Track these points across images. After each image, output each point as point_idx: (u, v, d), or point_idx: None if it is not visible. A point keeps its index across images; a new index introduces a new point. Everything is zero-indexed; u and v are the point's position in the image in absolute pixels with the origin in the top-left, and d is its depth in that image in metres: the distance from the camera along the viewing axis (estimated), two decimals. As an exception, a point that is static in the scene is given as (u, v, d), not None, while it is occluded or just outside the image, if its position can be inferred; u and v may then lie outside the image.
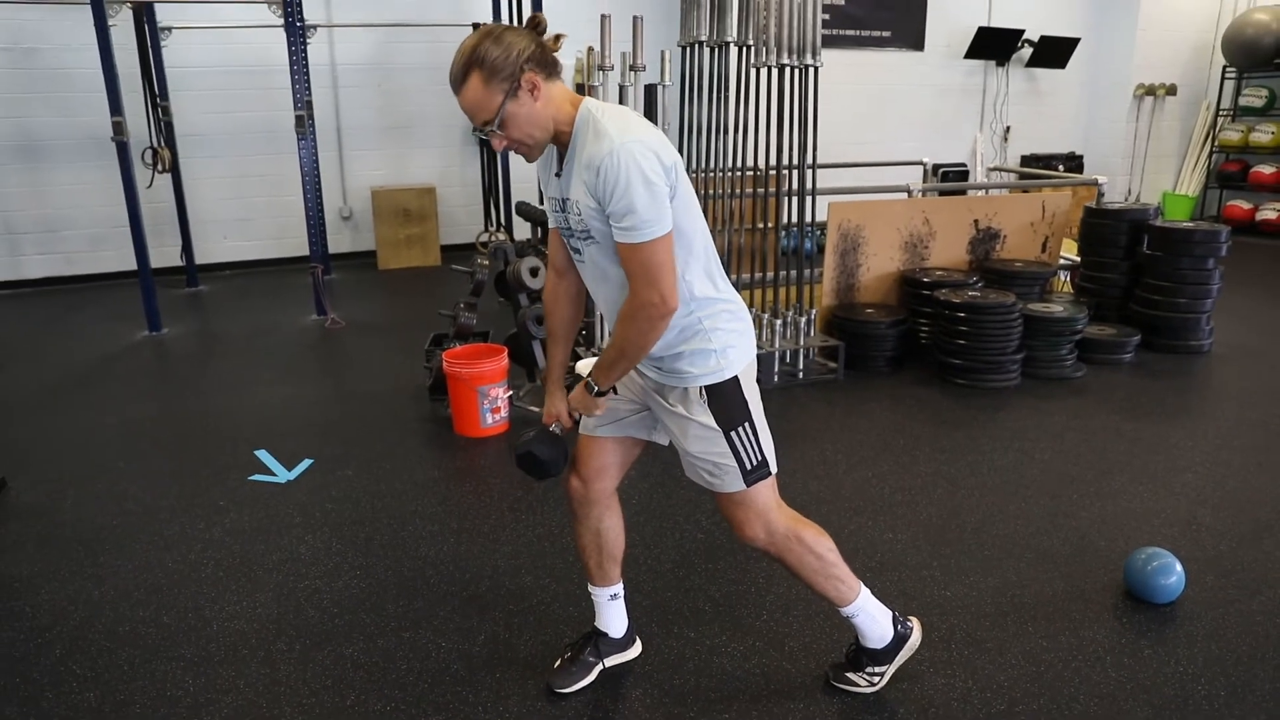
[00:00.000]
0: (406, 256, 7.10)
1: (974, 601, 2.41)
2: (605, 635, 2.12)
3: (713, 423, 1.76)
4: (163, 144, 6.00)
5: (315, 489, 3.16)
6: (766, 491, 1.84)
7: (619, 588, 2.11)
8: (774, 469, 1.84)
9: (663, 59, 3.76)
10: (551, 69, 1.63)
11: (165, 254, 6.39)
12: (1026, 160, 8.76)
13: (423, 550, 2.73)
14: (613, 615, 2.11)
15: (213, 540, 2.80)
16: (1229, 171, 8.80)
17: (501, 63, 1.57)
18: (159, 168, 5.94)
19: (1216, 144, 8.90)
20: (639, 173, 1.53)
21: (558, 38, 1.67)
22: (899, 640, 2.03)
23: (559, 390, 1.91)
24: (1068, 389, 4.19)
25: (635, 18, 3.73)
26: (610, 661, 2.12)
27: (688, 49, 3.93)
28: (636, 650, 2.17)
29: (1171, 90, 8.84)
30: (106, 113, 4.94)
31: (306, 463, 3.37)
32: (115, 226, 5.80)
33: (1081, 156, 9.02)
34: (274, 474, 3.29)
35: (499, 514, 2.97)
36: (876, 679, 2.03)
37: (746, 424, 1.78)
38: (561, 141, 1.68)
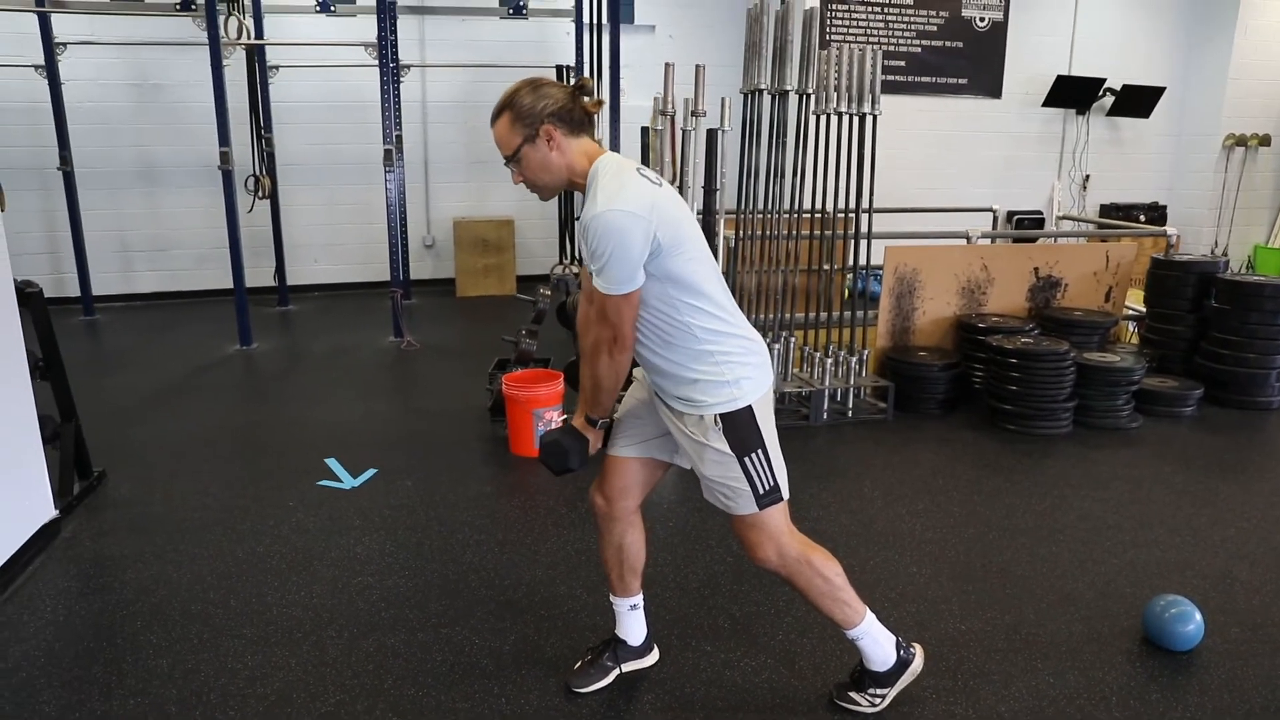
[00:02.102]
0: (484, 285, 7.43)
1: (987, 636, 2.47)
2: (624, 643, 2.26)
3: (727, 449, 1.89)
4: (264, 172, 6.48)
5: (376, 496, 3.41)
6: (779, 516, 1.97)
7: (638, 599, 2.25)
8: (786, 495, 1.96)
9: (723, 105, 3.95)
10: (577, 126, 1.86)
11: (260, 274, 6.86)
12: (1106, 209, 8.63)
13: (468, 557, 2.93)
14: (631, 624, 2.26)
15: (280, 536, 3.06)
16: (1324, 226, 8.49)
17: (528, 111, 1.82)
18: (260, 194, 6.42)
19: (1312, 197, 8.61)
20: (616, 241, 1.74)
21: (599, 102, 1.91)
22: (901, 665, 2.12)
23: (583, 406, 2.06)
24: (1121, 439, 4.16)
25: (698, 66, 3.94)
26: (627, 667, 2.27)
27: (749, 96, 4.12)
28: (653, 658, 2.31)
29: (1265, 141, 8.60)
30: (216, 143, 5.40)
31: (371, 472, 3.63)
32: (217, 247, 6.28)
33: (1165, 207, 8.83)
34: (340, 481, 3.55)
35: (541, 528, 3.15)
36: (878, 700, 2.12)
37: (760, 451, 1.91)
38: (578, 189, 1.91)
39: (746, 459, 1.90)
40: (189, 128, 6.75)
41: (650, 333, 1.89)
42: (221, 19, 5.52)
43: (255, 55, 6.37)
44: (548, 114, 1.82)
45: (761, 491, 1.92)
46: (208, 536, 3.05)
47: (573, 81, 1.92)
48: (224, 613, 2.57)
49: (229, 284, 5.72)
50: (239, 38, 5.99)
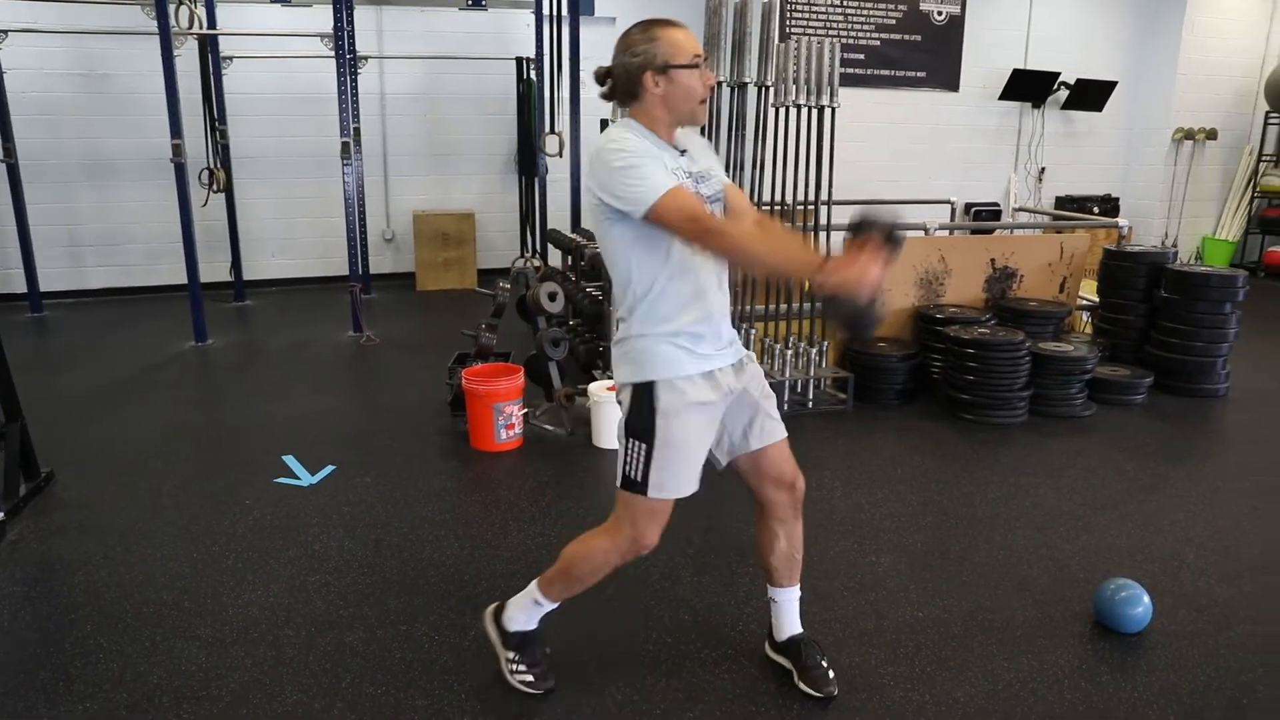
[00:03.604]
0: (444, 279, 7.37)
1: (944, 623, 2.51)
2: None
3: (621, 417, 2.01)
4: (219, 165, 6.36)
5: (335, 493, 3.37)
6: (635, 509, 2.00)
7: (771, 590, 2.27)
8: (652, 494, 1.96)
9: (682, 97, 3.94)
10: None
11: (216, 269, 6.73)
12: (1061, 201, 8.79)
13: (427, 553, 2.90)
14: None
15: (236, 535, 3.01)
16: (1270, 217, 8.73)
17: None
18: (214, 187, 6.30)
19: (1258, 189, 8.84)
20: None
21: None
22: (521, 639, 2.20)
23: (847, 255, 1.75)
24: (1075, 427, 4.24)
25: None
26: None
27: (708, 88, 4.11)
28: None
29: (1212, 134, 8.81)
30: (167, 135, 5.28)
31: (329, 469, 3.58)
32: (170, 242, 6.14)
33: (1117, 199, 9.01)
34: (298, 478, 3.50)
35: (502, 523, 3.13)
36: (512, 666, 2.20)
37: (649, 445, 1.95)
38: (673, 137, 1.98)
39: (632, 440, 2.00)
40: (139, 119, 6.60)
41: (722, 271, 2.00)
42: (172, 8, 5.39)
43: (208, 45, 6.24)
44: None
45: (630, 475, 2.01)
46: (161, 537, 2.99)
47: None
48: (177, 614, 2.52)
49: (183, 279, 5.60)
50: (190, 27, 5.85)
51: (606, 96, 1.99)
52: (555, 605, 2.18)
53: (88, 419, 4.20)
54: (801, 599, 2.26)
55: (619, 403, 2.02)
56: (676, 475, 1.97)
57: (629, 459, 1.97)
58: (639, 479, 1.96)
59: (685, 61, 1.87)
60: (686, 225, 1.81)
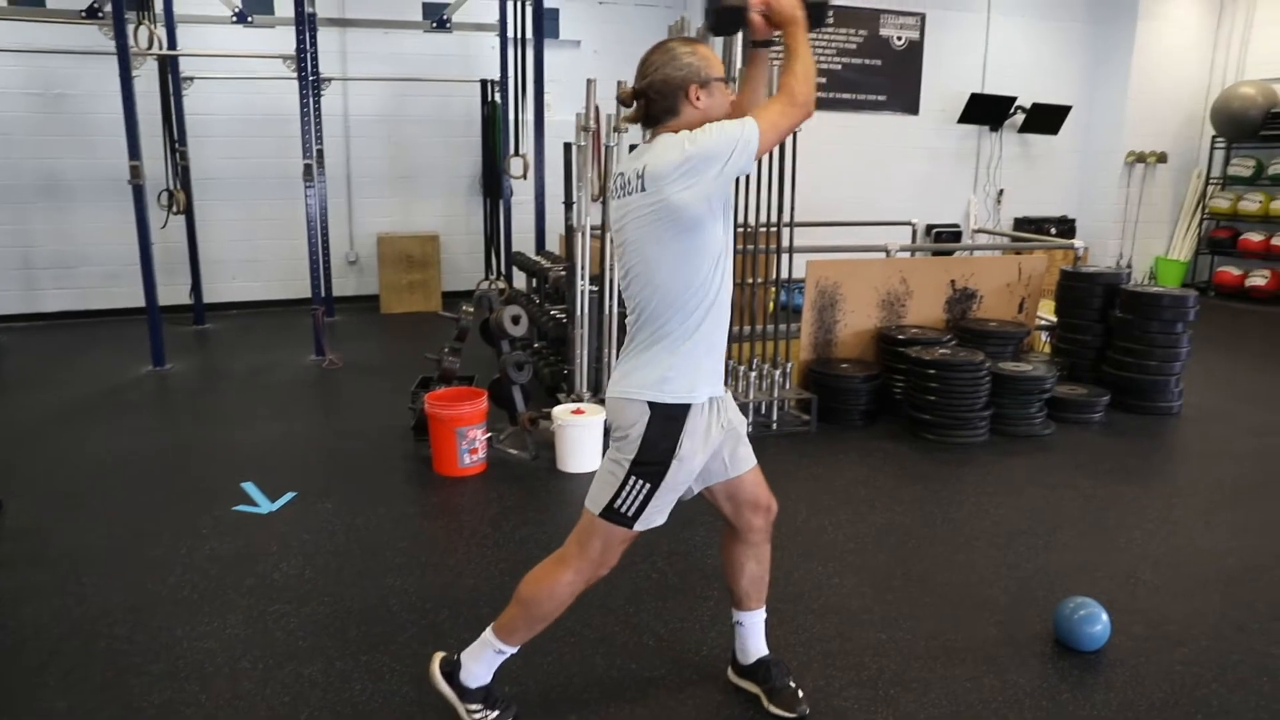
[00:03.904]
0: (409, 301, 7.32)
1: (907, 645, 2.52)
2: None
3: (627, 445, 1.96)
4: (179, 186, 6.28)
5: (295, 520, 3.31)
6: (605, 536, 1.99)
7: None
8: (638, 527, 1.96)
9: (645, 122, 3.97)
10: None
11: (176, 292, 6.63)
12: (1020, 223, 8.96)
13: (389, 580, 2.86)
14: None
15: (192, 565, 2.95)
16: (1219, 238, 8.96)
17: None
18: (174, 209, 6.22)
19: (1207, 211, 9.08)
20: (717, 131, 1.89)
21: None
22: (487, 696, 2.11)
23: None
24: (1034, 446, 4.30)
25: (620, 82, 3.95)
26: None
27: (671, 113, 4.14)
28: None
29: (1162, 158, 9.05)
30: (126, 156, 5.20)
31: (290, 495, 3.53)
32: (128, 264, 6.04)
33: (1074, 220, 9.21)
34: (257, 505, 3.44)
35: (466, 550, 3.10)
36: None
37: (650, 484, 1.94)
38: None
39: (633, 473, 1.97)
40: (97, 140, 6.50)
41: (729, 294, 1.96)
42: (131, 28, 5.34)
43: (168, 66, 6.17)
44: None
45: (618, 507, 1.97)
46: (114, 567, 2.92)
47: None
48: (130, 648, 2.46)
49: (141, 302, 5.51)
50: (150, 48, 5.79)
51: (635, 118, 1.95)
52: (516, 650, 2.09)
53: (40, 446, 4.10)
54: (766, 621, 2.26)
55: (620, 425, 1.93)
56: (665, 509, 1.99)
57: (627, 494, 1.91)
58: (629, 513, 1.93)
59: (721, 75, 1.91)
60: (784, 124, 1.86)
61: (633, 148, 3.45)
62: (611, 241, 1.99)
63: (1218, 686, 2.34)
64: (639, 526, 1.96)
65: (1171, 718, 2.21)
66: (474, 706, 2.10)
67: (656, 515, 1.97)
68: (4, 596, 2.74)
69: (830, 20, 1.78)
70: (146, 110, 5.61)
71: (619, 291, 4.18)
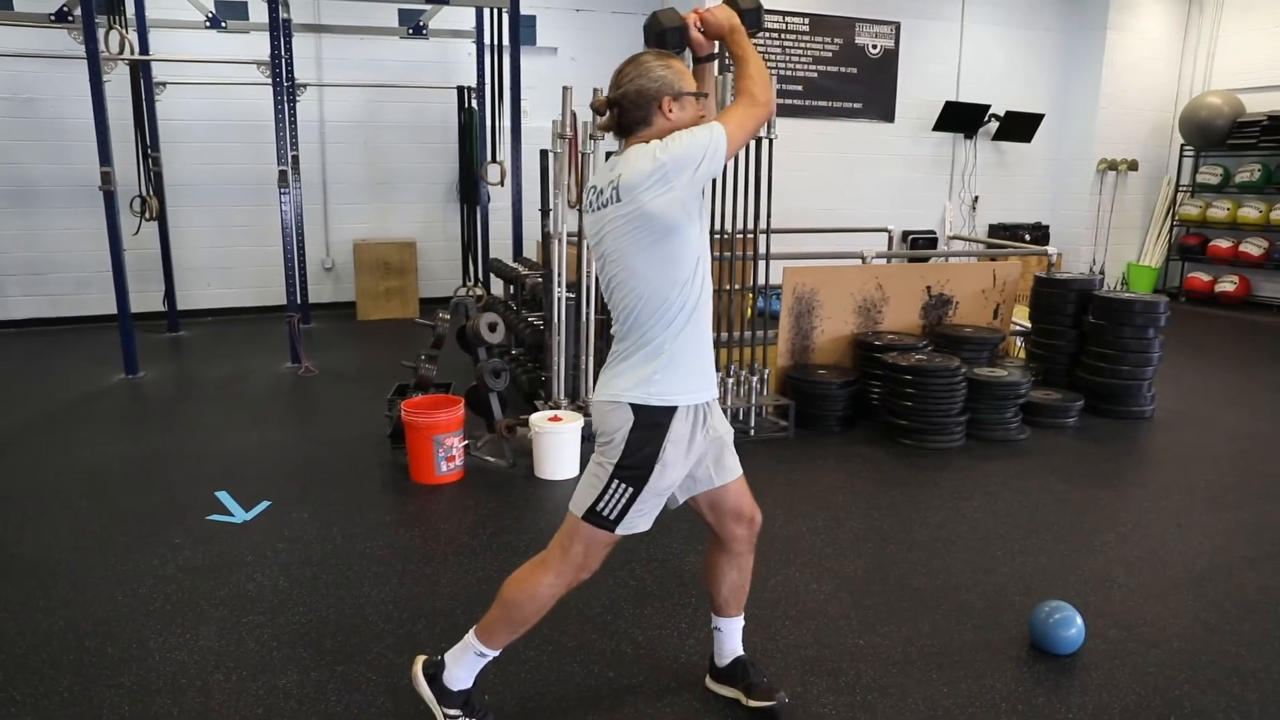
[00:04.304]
0: (385, 308, 7.28)
1: (884, 650, 2.53)
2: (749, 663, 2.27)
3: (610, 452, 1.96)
4: (151, 193, 6.21)
5: (269, 529, 3.28)
6: (586, 541, 1.99)
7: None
8: (620, 531, 1.97)
9: (622, 129, 3.97)
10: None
11: (149, 299, 6.56)
12: (995, 229, 9.05)
13: (365, 590, 2.84)
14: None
15: (165, 576, 2.91)
16: (1189, 244, 9.10)
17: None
18: (147, 215, 6.15)
19: (1177, 218, 9.22)
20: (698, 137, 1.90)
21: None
22: (464, 701, 2.10)
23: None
24: (1010, 451, 4.34)
25: (596, 89, 3.95)
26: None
27: (648, 119, 4.15)
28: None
29: (1133, 166, 9.18)
30: (97, 162, 5.14)
31: (264, 504, 3.49)
32: (100, 271, 5.97)
33: (1048, 227, 9.32)
34: (231, 514, 3.40)
35: (443, 558, 3.08)
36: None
37: (633, 489, 1.94)
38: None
39: (614, 478, 1.96)
40: (67, 145, 6.42)
41: (708, 297, 1.97)
42: (101, 32, 5.28)
43: (140, 71, 6.11)
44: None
45: (600, 510, 1.97)
46: (84, 579, 2.87)
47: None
48: (100, 661, 2.42)
49: (113, 309, 5.44)
50: (121, 52, 5.73)
51: (608, 126, 1.96)
52: (498, 653, 2.09)
53: (8, 455, 4.03)
54: (744, 627, 2.27)
55: (604, 430, 1.94)
56: (649, 515, 1.99)
57: (609, 498, 1.92)
58: (612, 516, 1.94)
59: (693, 90, 1.93)
60: (750, 125, 1.90)
61: (610, 155, 3.47)
62: (589, 250, 1.98)
63: (1190, 688, 2.36)
64: (621, 530, 1.96)
65: (1146, 718, 2.23)
66: (452, 711, 2.08)
67: (640, 520, 1.97)
68: (-30, 610, 2.69)
69: (764, 29, 1.82)
70: (118, 115, 5.56)
71: (596, 298, 4.19)
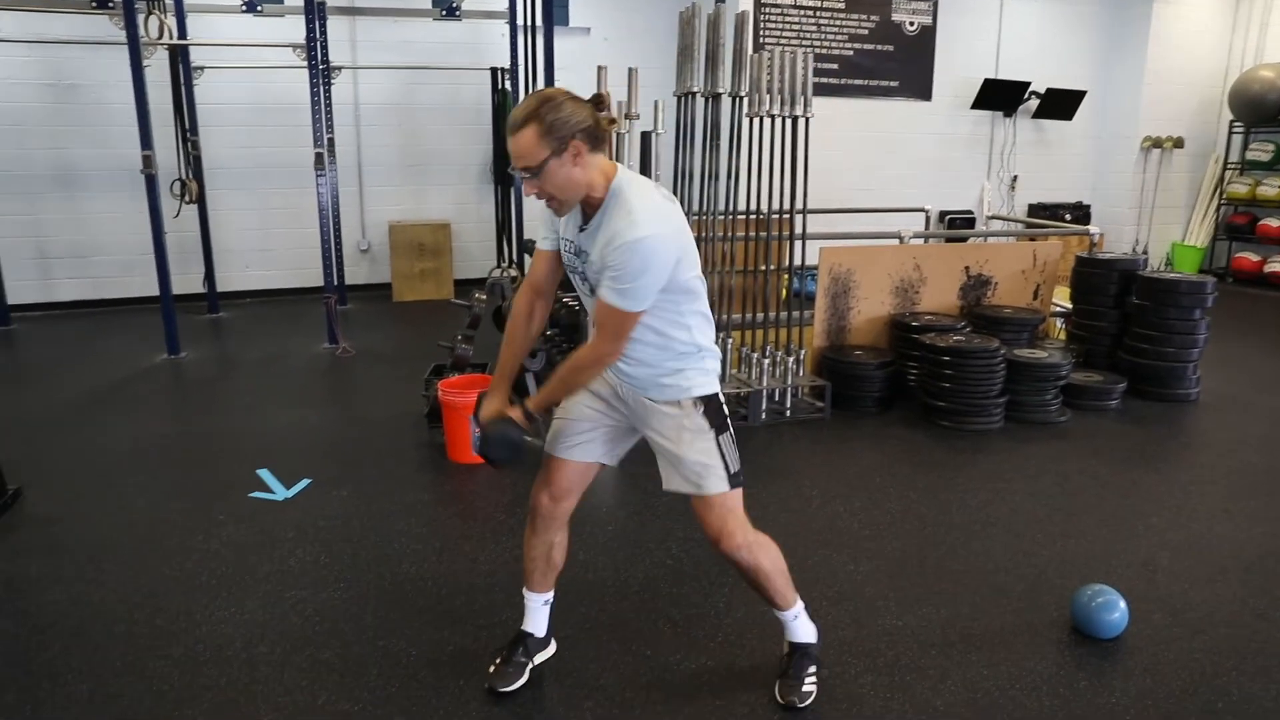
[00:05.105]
0: (420, 289, 7.33)
1: (923, 631, 2.51)
2: (532, 635, 2.30)
3: (707, 425, 2.01)
4: (190, 176, 6.29)
5: (310, 507, 3.33)
6: (741, 502, 2.07)
7: (551, 595, 2.32)
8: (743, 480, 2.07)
9: (657, 108, 3.96)
10: (598, 142, 1.85)
11: (189, 281, 6.65)
12: (1034, 209, 8.88)
13: (405, 567, 2.87)
14: (541, 618, 2.32)
15: (209, 551, 2.96)
16: (1237, 224, 8.86)
17: (559, 125, 1.79)
18: (186, 199, 6.23)
19: (1225, 197, 8.98)
20: (656, 264, 1.84)
21: (612, 121, 1.90)
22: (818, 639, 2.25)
23: (503, 391, 2.13)
24: (1050, 433, 4.28)
25: (631, 69, 3.94)
26: (537, 659, 2.31)
27: (683, 99, 4.13)
28: (553, 648, 2.36)
29: (1179, 143, 8.94)
30: (138, 146, 5.22)
31: (305, 482, 3.54)
32: (142, 254, 6.05)
33: (1089, 206, 9.13)
34: (272, 492, 3.46)
35: (480, 536, 3.11)
36: (815, 679, 2.21)
37: (730, 433, 2.04)
38: (591, 204, 1.90)
39: (720, 437, 2.02)
40: (109, 130, 6.51)
41: (648, 334, 1.95)
42: (141, 17, 5.34)
43: (179, 55, 6.17)
44: (578, 129, 1.80)
45: (732, 471, 2.03)
46: (132, 554, 2.94)
47: (591, 96, 1.90)
48: (149, 633, 2.48)
49: (155, 291, 5.53)
50: (160, 37, 5.80)
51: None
52: (801, 603, 2.21)
53: (57, 434, 4.13)
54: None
55: (691, 427, 2.01)
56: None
57: (728, 455, 2.02)
58: (740, 468, 2.05)
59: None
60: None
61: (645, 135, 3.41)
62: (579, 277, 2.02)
63: (1238, 675, 2.32)
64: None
65: (1191, 706, 2.20)
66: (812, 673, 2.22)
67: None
68: (26, 583, 2.76)
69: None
70: (158, 100, 5.62)
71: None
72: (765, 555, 2.10)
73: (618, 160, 4.04)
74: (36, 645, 2.41)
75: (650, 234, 1.80)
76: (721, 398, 2.05)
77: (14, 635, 2.47)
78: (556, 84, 6.20)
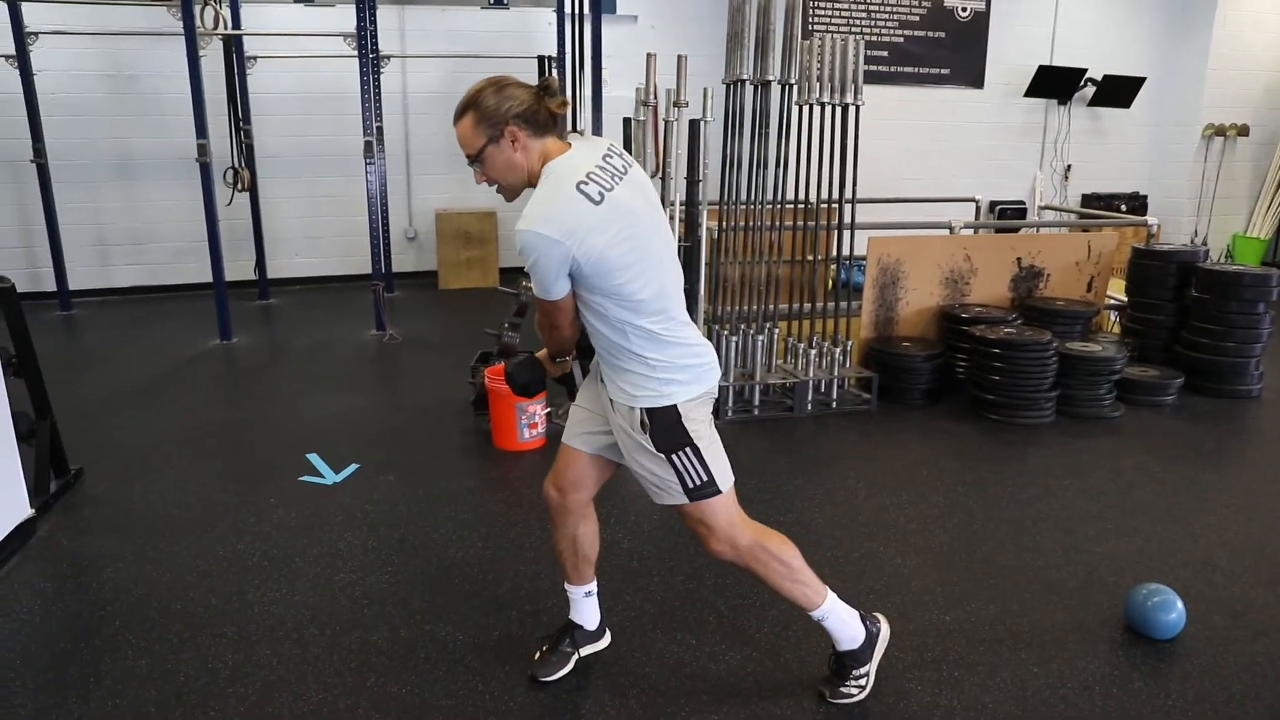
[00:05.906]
0: (466, 277, 7.39)
1: (972, 627, 2.48)
2: (580, 627, 2.29)
3: (648, 442, 1.91)
4: (243, 164, 6.40)
5: (358, 491, 3.38)
6: (722, 508, 1.99)
7: (593, 586, 2.29)
8: (724, 489, 1.97)
9: (705, 96, 3.93)
10: (541, 127, 1.84)
11: (241, 268, 6.78)
12: (1088, 199, 8.68)
13: (451, 552, 2.91)
14: (587, 610, 2.29)
15: (261, 533, 3.03)
16: (1303, 215, 8.57)
17: (492, 111, 1.80)
18: (239, 187, 6.34)
19: (1290, 187, 8.68)
20: (533, 257, 1.75)
21: (564, 102, 1.88)
22: (871, 638, 2.15)
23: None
24: (1103, 428, 4.18)
25: (680, 56, 3.91)
26: (585, 651, 2.29)
27: (731, 86, 4.09)
28: (607, 640, 2.34)
29: (1243, 131, 8.66)
30: (193, 135, 5.32)
31: (353, 467, 3.59)
32: (196, 241, 6.19)
33: (1145, 196, 8.89)
34: (322, 476, 3.52)
35: (525, 523, 3.13)
36: (864, 680, 2.14)
37: (688, 449, 1.91)
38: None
39: (673, 455, 1.91)
40: (165, 119, 6.65)
41: (595, 321, 1.89)
42: (198, 9, 5.43)
43: (233, 46, 6.28)
44: (512, 115, 1.80)
45: (691, 485, 1.94)
46: (187, 534, 3.01)
47: (538, 81, 1.88)
48: (204, 611, 2.54)
49: (208, 278, 5.65)
50: (215, 28, 5.90)
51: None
52: (831, 595, 2.10)
53: (115, 417, 4.24)
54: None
55: (636, 437, 1.93)
56: (723, 458, 2.00)
57: (686, 472, 1.92)
58: (706, 479, 1.94)
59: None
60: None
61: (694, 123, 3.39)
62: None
63: (1301, 679, 2.26)
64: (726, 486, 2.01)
65: (1252, 711, 2.14)
66: (863, 670, 2.15)
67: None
68: (87, 561, 2.85)
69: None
70: (212, 90, 5.72)
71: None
72: (759, 561, 2.02)
73: (665, 147, 4.03)
74: (98, 621, 2.49)
75: (527, 229, 1.73)
76: (683, 410, 1.89)
77: (77, 611, 2.55)
78: (605, 73, 6.19)
